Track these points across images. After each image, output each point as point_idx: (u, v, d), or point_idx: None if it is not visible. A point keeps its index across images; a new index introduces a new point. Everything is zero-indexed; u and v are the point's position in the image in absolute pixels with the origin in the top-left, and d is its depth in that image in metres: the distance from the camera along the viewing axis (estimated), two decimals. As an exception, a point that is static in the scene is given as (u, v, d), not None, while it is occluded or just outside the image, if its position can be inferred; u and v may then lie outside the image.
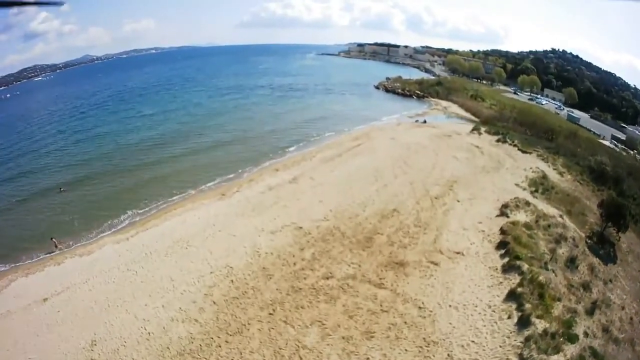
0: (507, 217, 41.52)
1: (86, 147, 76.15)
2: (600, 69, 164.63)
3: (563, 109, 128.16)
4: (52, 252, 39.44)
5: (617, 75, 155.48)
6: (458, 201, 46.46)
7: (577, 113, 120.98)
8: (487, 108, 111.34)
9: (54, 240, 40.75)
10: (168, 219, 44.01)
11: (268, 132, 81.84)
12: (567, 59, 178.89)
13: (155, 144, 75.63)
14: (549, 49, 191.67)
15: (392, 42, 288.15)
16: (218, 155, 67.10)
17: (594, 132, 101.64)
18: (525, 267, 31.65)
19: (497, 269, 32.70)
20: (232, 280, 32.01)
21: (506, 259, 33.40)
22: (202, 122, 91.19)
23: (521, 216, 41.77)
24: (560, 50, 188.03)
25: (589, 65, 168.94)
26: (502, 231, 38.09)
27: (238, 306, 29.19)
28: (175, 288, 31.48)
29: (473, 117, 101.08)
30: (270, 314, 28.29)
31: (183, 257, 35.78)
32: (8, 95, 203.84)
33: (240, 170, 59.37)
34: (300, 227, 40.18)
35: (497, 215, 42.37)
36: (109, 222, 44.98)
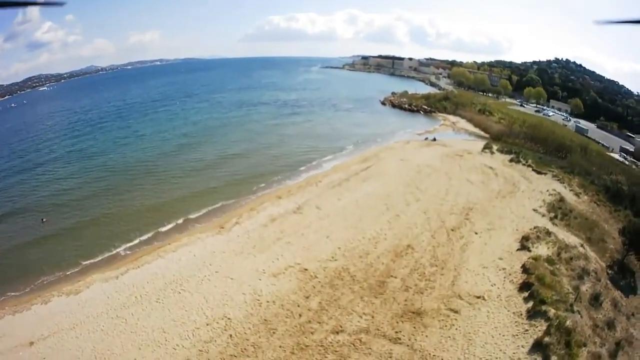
0: (529, 250, 38.98)
1: (75, 170, 72.03)
2: (604, 77, 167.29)
3: (570, 120, 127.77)
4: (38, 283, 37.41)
5: (620, 83, 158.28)
6: (476, 233, 43.59)
7: (584, 123, 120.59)
8: (496, 122, 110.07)
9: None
10: (161, 256, 40.60)
11: (271, 154, 78.23)
12: (570, 68, 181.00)
13: (149, 167, 71.80)
14: (552, 58, 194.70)
15: (396, 54, 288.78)
16: (216, 180, 63.53)
17: (603, 144, 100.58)
18: (551, 312, 29.04)
19: (521, 314, 29.98)
20: (230, 335, 28.74)
21: (530, 303, 30.71)
22: (200, 143, 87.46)
23: (543, 249, 39.24)
24: (564, 59, 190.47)
25: (592, 74, 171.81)
26: (525, 269, 35.37)
27: (237, 367, 25.96)
28: (167, 342, 28.33)
29: (482, 133, 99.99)
30: (272, 377, 25.10)
31: (176, 303, 32.55)
32: (13, 105, 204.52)
33: (240, 197, 56.22)
34: (306, 269, 36.76)
35: (518, 249, 39.66)
36: (98, 256, 41.85)
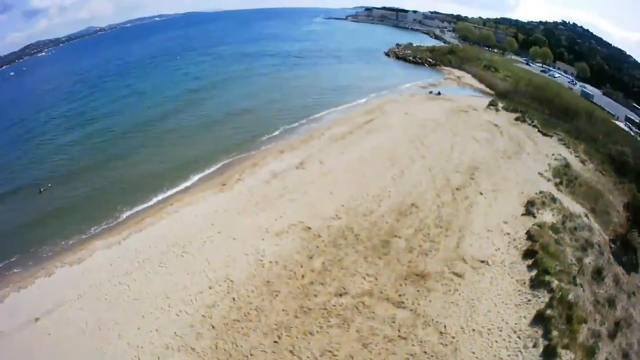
0: (534, 216, 38.36)
1: (74, 136, 68.27)
2: (611, 44, 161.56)
3: (576, 83, 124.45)
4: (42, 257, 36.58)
5: (627, 53, 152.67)
6: (481, 194, 42.74)
7: (590, 89, 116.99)
8: (502, 80, 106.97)
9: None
10: (163, 217, 39.92)
11: (274, 106, 76.45)
12: (577, 32, 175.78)
13: (150, 126, 69.42)
14: (559, 20, 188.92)
15: (400, 7, 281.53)
16: (219, 134, 62.40)
17: (608, 112, 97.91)
18: (554, 283, 28.76)
19: (524, 283, 29.69)
20: (233, 299, 28.36)
21: (534, 272, 30.34)
22: (201, 100, 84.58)
23: (547, 216, 38.67)
24: (571, 23, 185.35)
25: (599, 40, 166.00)
26: (529, 236, 34.89)
27: (239, 331, 25.72)
28: (171, 308, 28.00)
29: (488, 90, 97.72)
30: (275, 341, 24.86)
31: (179, 267, 32.09)
32: (12, 73, 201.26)
33: (243, 151, 55.47)
34: (309, 228, 36.16)
35: (523, 214, 39.00)
36: (99, 221, 41.00)
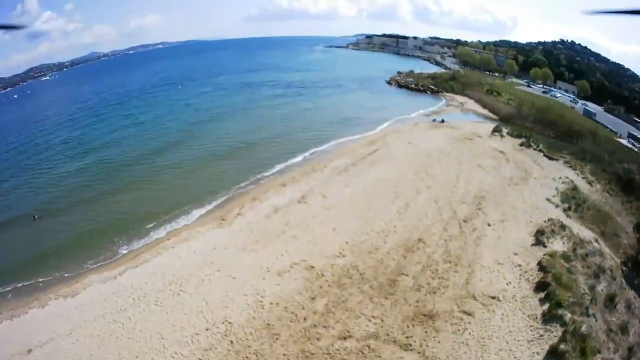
0: (544, 246, 37.36)
1: (71, 164, 68.49)
2: (609, 60, 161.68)
3: (577, 102, 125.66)
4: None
5: (626, 66, 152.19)
6: (489, 225, 41.66)
7: (591, 106, 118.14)
8: (505, 104, 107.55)
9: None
10: (160, 253, 38.72)
11: (274, 139, 75.30)
12: (575, 50, 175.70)
13: (149, 159, 68.34)
14: (557, 39, 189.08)
15: (400, 33, 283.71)
16: (219, 168, 61.04)
17: (611, 129, 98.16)
18: (567, 316, 27.60)
19: (536, 317, 28.44)
20: (231, 342, 26.99)
21: (546, 306, 29.16)
22: (202, 130, 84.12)
23: (558, 244, 37.75)
24: (569, 41, 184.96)
25: (597, 56, 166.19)
26: (541, 267, 33.73)
27: (238, 380, 24.27)
28: (166, 349, 26.74)
29: (491, 115, 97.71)
30: (276, 392, 23.41)
31: (175, 306, 30.83)
32: (15, 96, 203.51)
33: (243, 185, 54.37)
34: (312, 267, 34.82)
35: (533, 244, 37.95)
36: (95, 254, 40.00)
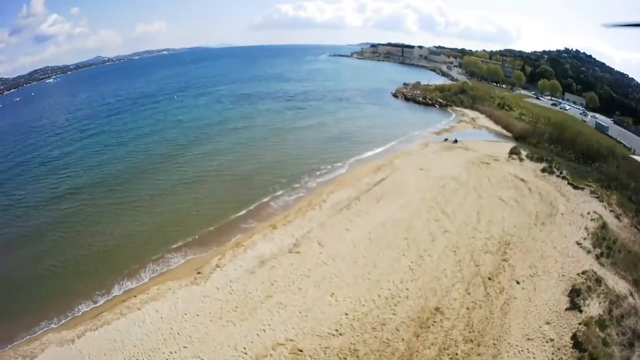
0: (580, 311, 31.78)
1: (43, 194, 59.40)
2: (613, 69, 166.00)
3: (587, 114, 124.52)
4: None
5: (630, 76, 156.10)
6: (517, 282, 35.08)
7: (601, 119, 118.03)
8: (517, 119, 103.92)
9: None
10: (123, 314, 31.85)
11: (269, 163, 67.07)
12: (580, 59, 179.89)
13: (122, 187, 59.73)
14: (562, 48, 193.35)
15: (405, 42, 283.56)
16: (201, 199, 53.60)
17: (624, 145, 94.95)
18: None
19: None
20: None
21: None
22: (187, 152, 75.80)
23: (594, 306, 32.45)
24: (574, 50, 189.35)
25: (602, 65, 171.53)
26: (576, 342, 28.46)
27: None
28: None
29: (504, 132, 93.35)
30: None
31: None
32: (18, 99, 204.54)
33: (225, 224, 46.77)
34: (300, 351, 27.20)
35: (567, 309, 32.01)
36: (54, 309, 33.78)
